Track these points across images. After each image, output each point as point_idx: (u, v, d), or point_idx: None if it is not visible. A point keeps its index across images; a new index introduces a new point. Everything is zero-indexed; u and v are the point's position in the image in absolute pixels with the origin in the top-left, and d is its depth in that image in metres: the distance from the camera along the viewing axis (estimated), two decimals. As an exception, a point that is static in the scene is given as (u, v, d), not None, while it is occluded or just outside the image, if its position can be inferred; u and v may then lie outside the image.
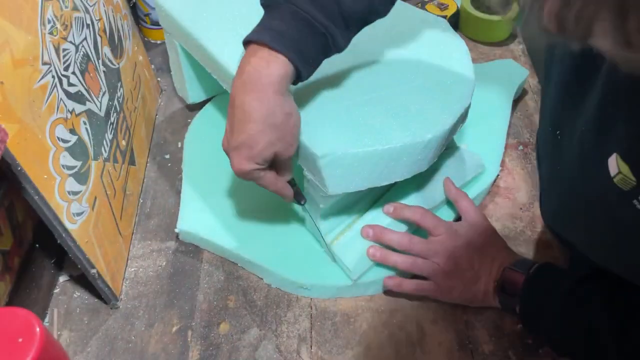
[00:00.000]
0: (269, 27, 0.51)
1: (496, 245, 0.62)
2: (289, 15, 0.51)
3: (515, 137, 0.80)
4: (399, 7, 0.59)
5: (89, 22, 0.63)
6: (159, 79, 0.87)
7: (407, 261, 0.61)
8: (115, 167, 0.65)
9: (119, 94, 0.69)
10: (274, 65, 0.50)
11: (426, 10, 0.94)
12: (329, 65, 0.58)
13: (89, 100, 0.60)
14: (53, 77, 0.54)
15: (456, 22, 0.96)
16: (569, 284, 0.54)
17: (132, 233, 0.69)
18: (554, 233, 0.63)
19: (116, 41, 0.71)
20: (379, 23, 0.57)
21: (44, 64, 0.53)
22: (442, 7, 0.95)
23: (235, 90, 0.51)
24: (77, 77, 0.59)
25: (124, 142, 0.68)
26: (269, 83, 0.50)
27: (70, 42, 0.58)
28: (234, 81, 0.52)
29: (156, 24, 0.91)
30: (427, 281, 0.61)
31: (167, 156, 0.77)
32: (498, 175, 0.74)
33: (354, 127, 0.57)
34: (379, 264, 0.63)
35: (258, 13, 0.53)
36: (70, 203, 0.54)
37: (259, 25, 0.52)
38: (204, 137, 0.77)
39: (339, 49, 0.54)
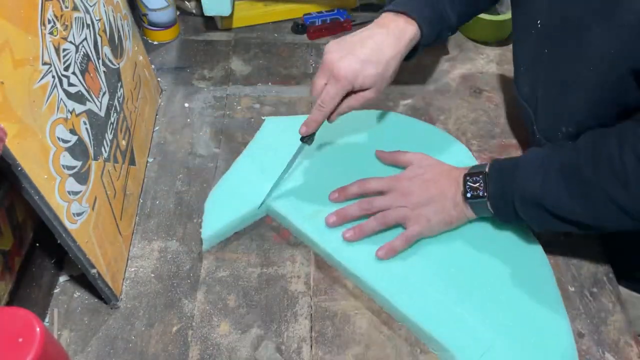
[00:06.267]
0: (403, 3, 0.67)
1: (444, 165, 0.69)
2: None
3: (515, 137, 0.80)
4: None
5: (89, 22, 0.63)
6: (159, 79, 0.87)
7: (378, 219, 0.66)
8: (115, 167, 0.65)
9: (119, 94, 0.69)
10: (410, 28, 0.66)
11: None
12: None
13: (89, 100, 0.60)
14: (53, 77, 0.54)
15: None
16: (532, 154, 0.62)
17: (132, 233, 0.69)
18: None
19: (116, 41, 0.71)
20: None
21: (44, 64, 0.53)
22: (442, 7, 0.95)
23: (374, 28, 0.66)
24: (77, 77, 0.59)
25: (124, 142, 0.68)
26: (405, 39, 0.66)
27: (70, 42, 0.58)
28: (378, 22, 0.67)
29: (154, 25, 0.91)
30: (407, 229, 0.65)
31: (167, 156, 0.77)
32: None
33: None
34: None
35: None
36: (71, 203, 0.54)
37: (393, 3, 0.68)
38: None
39: (451, 21, 0.71)
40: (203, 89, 0.86)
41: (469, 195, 0.63)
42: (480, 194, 0.63)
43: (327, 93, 0.63)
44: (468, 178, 0.64)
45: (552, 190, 0.58)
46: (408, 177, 0.68)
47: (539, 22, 0.64)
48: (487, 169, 0.64)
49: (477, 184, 0.63)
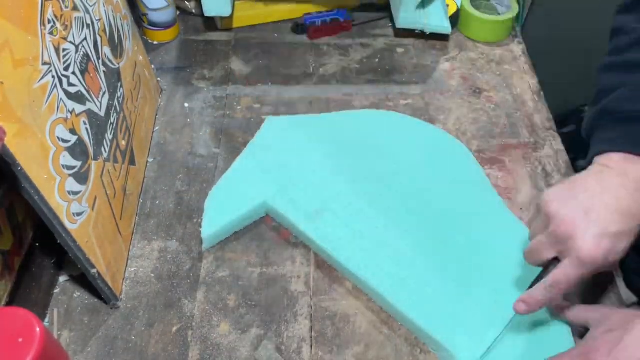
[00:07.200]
0: (624, 135, 0.52)
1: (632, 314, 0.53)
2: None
3: (515, 137, 0.80)
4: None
5: (89, 22, 0.63)
6: (159, 79, 0.87)
7: None
8: (115, 167, 0.65)
9: (119, 94, 0.69)
10: None
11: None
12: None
13: (89, 100, 0.61)
14: (53, 77, 0.54)
15: (456, 22, 0.96)
16: None
17: (132, 233, 0.69)
18: None
19: (116, 41, 0.71)
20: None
21: (44, 64, 0.53)
22: (442, 7, 0.95)
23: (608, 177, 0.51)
24: (77, 77, 0.59)
25: (124, 142, 0.68)
26: None
27: (70, 42, 0.58)
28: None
29: (154, 24, 0.91)
30: None
31: (167, 156, 0.77)
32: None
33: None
34: None
35: None
36: (70, 203, 0.54)
37: (602, 140, 0.54)
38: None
39: None
40: (203, 89, 0.86)
41: None
42: None
43: (566, 275, 0.51)
44: None
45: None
46: (604, 343, 0.50)
47: None
48: None
49: None
